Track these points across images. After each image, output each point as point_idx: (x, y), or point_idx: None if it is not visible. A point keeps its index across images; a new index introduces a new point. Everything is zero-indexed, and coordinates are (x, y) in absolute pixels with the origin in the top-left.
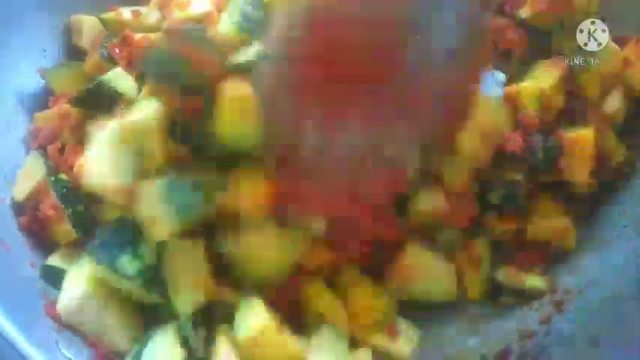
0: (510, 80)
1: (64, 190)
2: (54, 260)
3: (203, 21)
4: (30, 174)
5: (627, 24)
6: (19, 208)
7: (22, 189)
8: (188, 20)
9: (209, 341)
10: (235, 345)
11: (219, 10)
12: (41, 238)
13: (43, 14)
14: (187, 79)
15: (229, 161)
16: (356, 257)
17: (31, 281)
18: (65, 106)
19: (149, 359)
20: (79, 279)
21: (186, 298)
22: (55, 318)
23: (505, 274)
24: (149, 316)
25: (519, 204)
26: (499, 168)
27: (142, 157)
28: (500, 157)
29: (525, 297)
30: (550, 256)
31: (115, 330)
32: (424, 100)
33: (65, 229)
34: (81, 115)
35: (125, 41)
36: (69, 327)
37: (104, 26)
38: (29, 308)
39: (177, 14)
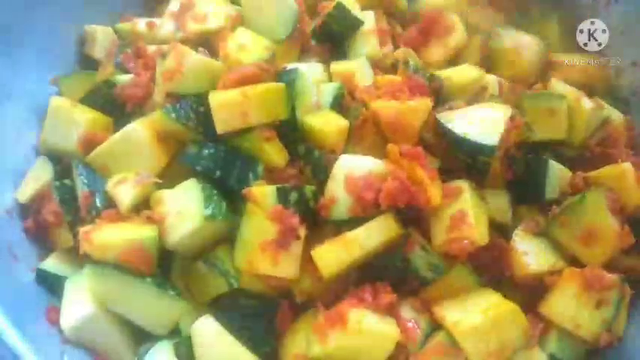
0: None
1: (67, 196)
2: (47, 265)
3: (216, 35)
4: (36, 177)
5: None
6: (22, 211)
7: (25, 191)
8: (203, 33)
9: None
10: None
11: (233, 27)
12: (46, 243)
13: (57, 24)
14: None
15: None
16: None
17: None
18: None
19: None
20: (81, 295)
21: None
22: (57, 325)
23: None
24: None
25: None
26: None
27: None
28: None
29: None
30: None
31: (119, 344)
32: None
33: (63, 235)
34: None
35: (138, 54)
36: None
37: (118, 37)
38: (33, 315)
39: (193, 27)
